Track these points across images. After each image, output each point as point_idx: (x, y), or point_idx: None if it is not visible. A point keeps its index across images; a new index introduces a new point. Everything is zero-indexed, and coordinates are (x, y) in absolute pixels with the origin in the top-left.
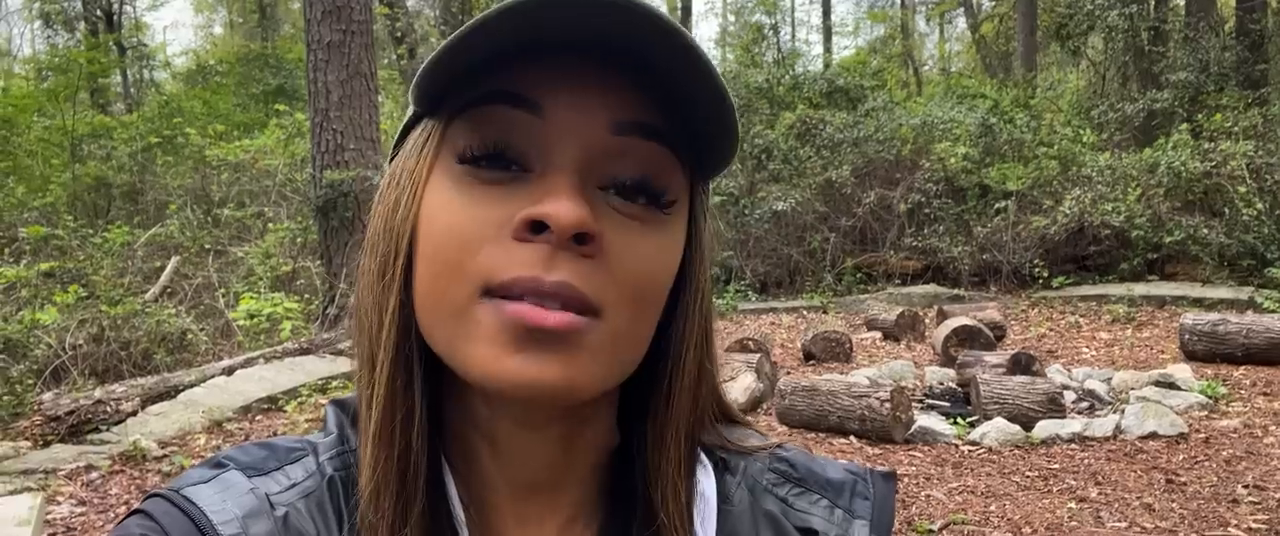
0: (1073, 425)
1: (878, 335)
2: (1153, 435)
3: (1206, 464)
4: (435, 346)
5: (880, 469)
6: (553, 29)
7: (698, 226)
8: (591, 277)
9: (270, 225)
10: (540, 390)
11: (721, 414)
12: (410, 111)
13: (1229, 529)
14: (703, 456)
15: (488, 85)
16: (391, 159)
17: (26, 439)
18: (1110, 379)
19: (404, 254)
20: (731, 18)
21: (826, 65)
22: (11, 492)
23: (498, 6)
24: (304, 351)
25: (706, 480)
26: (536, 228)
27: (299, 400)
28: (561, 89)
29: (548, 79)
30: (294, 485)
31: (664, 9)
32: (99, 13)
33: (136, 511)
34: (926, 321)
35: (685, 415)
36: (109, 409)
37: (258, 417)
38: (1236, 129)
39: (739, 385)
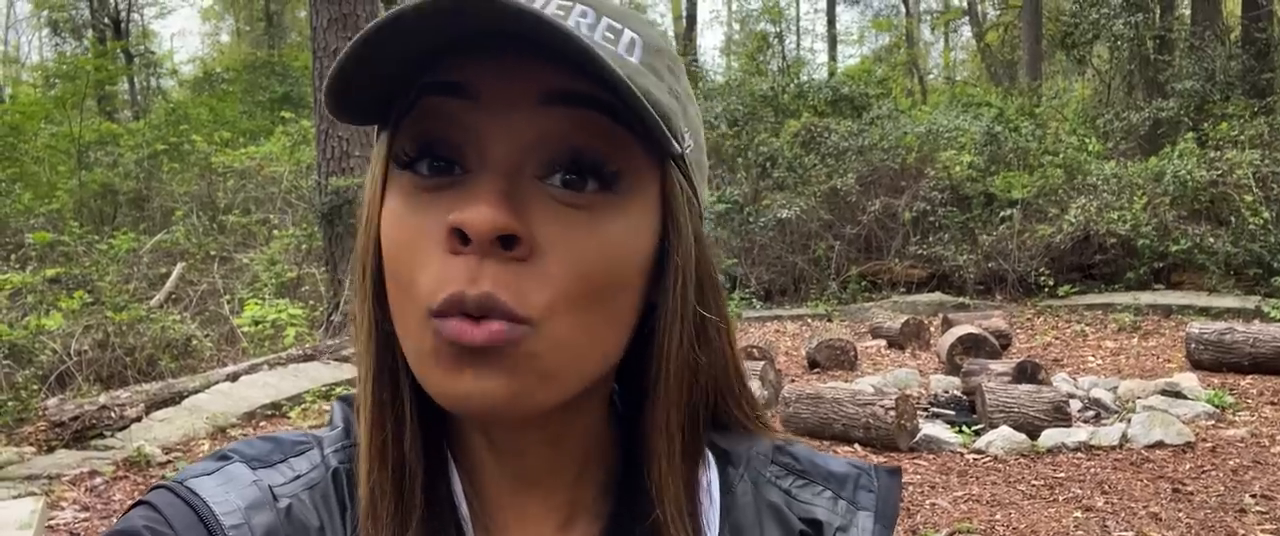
0: (1079, 434)
1: (882, 343)
2: (1159, 444)
3: (1213, 473)
4: (408, 362)
5: (885, 464)
6: (473, 22)
7: (674, 205)
8: (520, 283)
9: (275, 232)
10: (486, 407)
11: (746, 409)
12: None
13: None
14: (705, 450)
15: (420, 80)
16: None
17: (31, 444)
18: (1116, 388)
19: (372, 269)
20: (736, 26)
21: (831, 73)
22: (15, 497)
23: (409, 5)
24: (308, 358)
25: (709, 472)
26: (464, 238)
27: (303, 406)
28: (489, 72)
29: (475, 66)
30: (298, 477)
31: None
32: (107, 21)
33: (141, 503)
34: (931, 329)
35: (676, 405)
36: (113, 415)
37: (262, 424)
38: (1242, 138)
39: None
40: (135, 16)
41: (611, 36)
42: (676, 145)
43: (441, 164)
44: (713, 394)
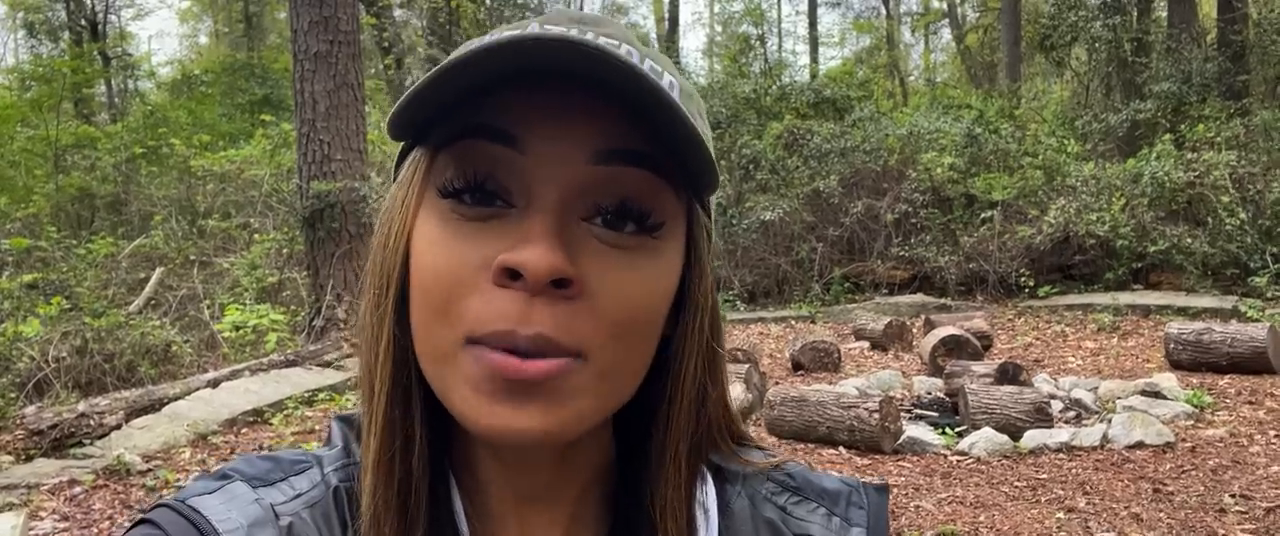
0: (1060, 435)
1: (866, 345)
2: (1140, 444)
3: (1193, 473)
4: (428, 381)
5: (873, 482)
6: (535, 61)
7: (697, 246)
8: (571, 321)
9: (256, 236)
10: (521, 438)
11: (733, 435)
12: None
13: None
14: (702, 466)
15: (467, 118)
16: (396, 180)
17: (9, 453)
18: (1097, 388)
19: (396, 287)
20: (718, 28)
21: (813, 76)
22: None
23: (482, 46)
24: (290, 363)
25: (706, 489)
26: (514, 274)
27: (285, 412)
28: (539, 123)
29: (527, 112)
30: (299, 495)
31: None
32: (83, 22)
33: (142, 520)
34: (914, 331)
35: (685, 434)
36: (92, 422)
37: (243, 431)
38: (1219, 139)
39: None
40: (112, 18)
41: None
42: (712, 189)
43: (485, 197)
44: (714, 421)
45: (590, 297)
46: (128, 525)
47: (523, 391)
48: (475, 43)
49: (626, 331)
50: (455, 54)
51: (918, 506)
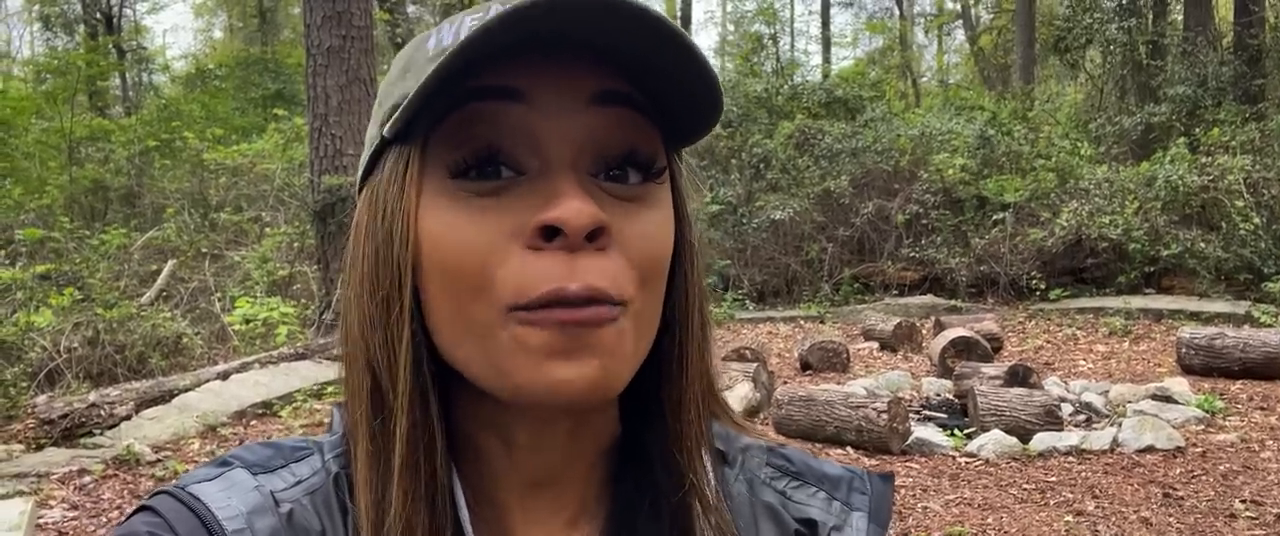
0: (1070, 438)
1: (875, 345)
2: (1150, 449)
3: (1203, 478)
4: (458, 365)
5: (877, 471)
6: (540, 28)
7: (682, 194)
8: (611, 272)
9: (267, 230)
10: (580, 390)
11: (716, 404)
12: (374, 138)
13: None
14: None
15: (463, 87)
16: (359, 191)
17: (19, 442)
18: (1107, 392)
19: (411, 284)
20: (731, 27)
21: (825, 75)
22: (3, 496)
23: (485, 24)
24: (299, 356)
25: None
26: (549, 233)
27: (294, 405)
28: (537, 74)
29: (520, 68)
30: (299, 482)
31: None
32: (99, 16)
33: (143, 508)
34: (924, 332)
35: (700, 376)
36: (103, 412)
37: (252, 423)
38: (1234, 143)
39: (736, 394)
40: (128, 12)
41: None
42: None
43: (493, 170)
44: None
45: (619, 248)
46: (129, 512)
47: (580, 344)
48: (471, 21)
49: (651, 277)
50: (460, 39)
51: (925, 507)
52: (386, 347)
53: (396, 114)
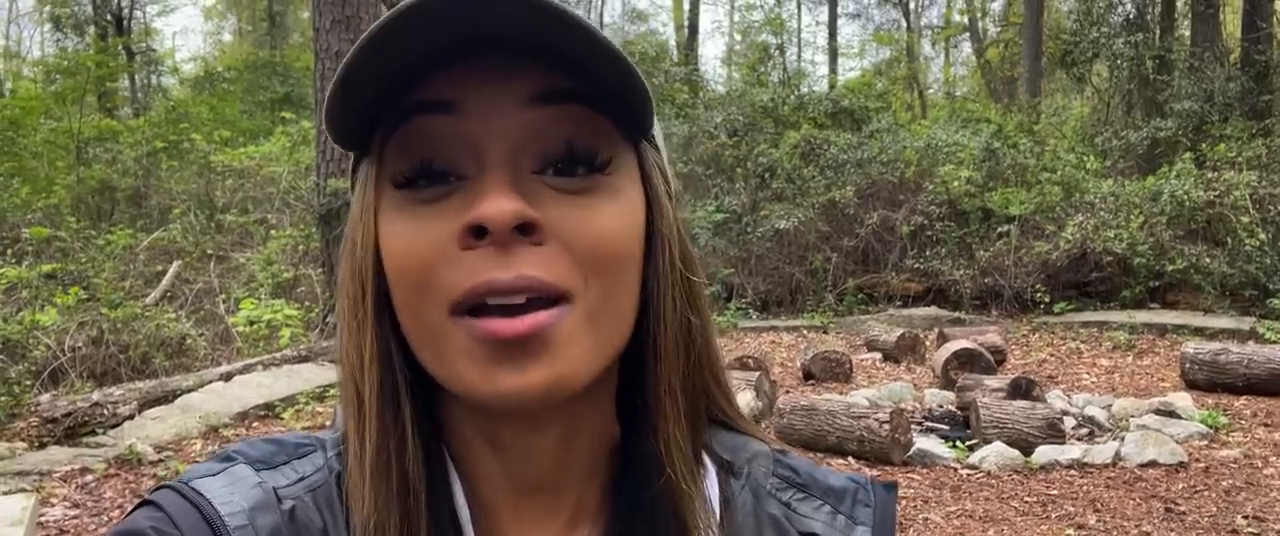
0: (1072, 451)
1: (878, 356)
2: (1152, 463)
3: (1206, 493)
4: (426, 367)
5: (881, 480)
6: (445, 32)
7: (652, 183)
8: (550, 264)
9: (273, 232)
10: (526, 397)
11: (722, 395)
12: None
13: None
14: (706, 459)
15: (401, 103)
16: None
17: (22, 440)
18: (1110, 406)
19: (373, 290)
20: (738, 37)
21: (832, 86)
22: (6, 493)
23: (371, 31)
24: (303, 359)
25: (709, 482)
26: (478, 232)
27: (296, 407)
28: (470, 83)
29: (455, 79)
30: (302, 479)
31: (672, 27)
32: (109, 17)
33: (145, 503)
34: (927, 344)
35: (676, 368)
36: (106, 412)
37: (254, 424)
38: (1240, 159)
39: (738, 402)
40: (138, 14)
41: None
42: (652, 123)
43: (437, 177)
44: (707, 370)
45: (560, 241)
46: (132, 507)
47: (519, 349)
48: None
49: (602, 269)
50: (359, 41)
51: (926, 519)
52: (356, 352)
53: (328, 129)
